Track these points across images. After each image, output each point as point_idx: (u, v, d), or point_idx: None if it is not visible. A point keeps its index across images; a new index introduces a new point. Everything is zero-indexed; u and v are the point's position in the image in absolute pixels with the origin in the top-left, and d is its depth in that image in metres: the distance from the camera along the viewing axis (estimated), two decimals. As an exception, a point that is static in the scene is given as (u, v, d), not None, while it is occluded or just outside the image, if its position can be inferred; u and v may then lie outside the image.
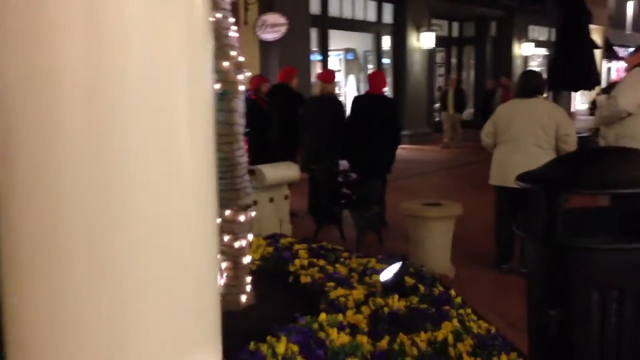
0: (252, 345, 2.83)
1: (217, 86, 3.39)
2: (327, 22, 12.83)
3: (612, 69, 26.51)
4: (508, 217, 4.74)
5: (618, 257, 1.93)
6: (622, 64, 27.81)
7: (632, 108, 4.57)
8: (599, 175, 1.92)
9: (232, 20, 3.57)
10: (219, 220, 3.52)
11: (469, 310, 3.48)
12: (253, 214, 3.73)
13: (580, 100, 22.59)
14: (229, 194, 3.50)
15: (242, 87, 3.65)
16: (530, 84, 4.66)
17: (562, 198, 1.98)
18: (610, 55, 22.84)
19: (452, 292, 3.68)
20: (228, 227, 3.51)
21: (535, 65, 21.20)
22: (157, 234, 1.38)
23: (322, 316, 3.11)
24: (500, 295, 4.31)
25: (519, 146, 4.53)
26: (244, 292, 3.58)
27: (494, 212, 4.85)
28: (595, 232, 2.25)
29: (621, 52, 26.37)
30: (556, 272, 2.01)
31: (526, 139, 4.51)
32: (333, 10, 12.95)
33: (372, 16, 14.20)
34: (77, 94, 1.22)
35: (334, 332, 2.94)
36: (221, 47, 3.42)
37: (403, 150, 6.59)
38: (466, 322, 3.21)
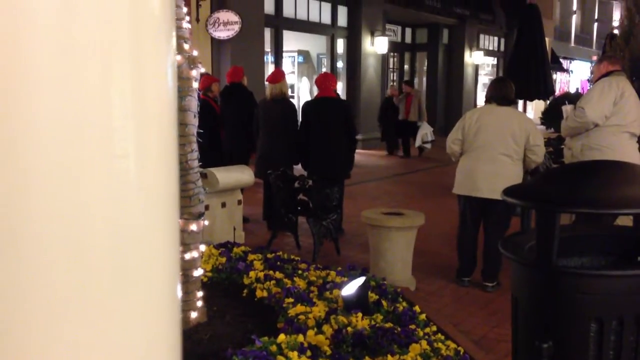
0: (204, 372, 2.55)
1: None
2: (281, 23, 12.59)
3: (557, 81, 27.23)
4: (472, 228, 4.60)
5: (619, 284, 1.75)
6: (567, 76, 28.72)
7: (599, 119, 4.52)
8: (601, 193, 1.74)
9: (184, 10, 3.27)
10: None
11: (434, 329, 3.30)
12: (205, 222, 3.43)
13: (528, 110, 23.12)
14: (181, 201, 3.19)
15: (195, 84, 3.36)
16: (501, 92, 4.53)
17: (558, 218, 1.79)
18: (556, 67, 23.44)
19: (417, 309, 3.49)
20: (179, 237, 3.21)
21: (484, 74, 21.56)
22: (104, 246, 1.14)
23: (282, 337, 2.85)
24: (464, 311, 4.15)
25: (488, 155, 4.39)
26: (194, 308, 3.28)
27: (458, 222, 4.69)
28: (581, 255, 2.09)
29: (565, 64, 27.18)
30: (549, 300, 1.81)
31: (496, 148, 4.37)
32: (287, 11, 12.71)
33: (326, 18, 14.05)
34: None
35: (294, 356, 2.69)
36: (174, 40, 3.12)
37: (356, 155, 6.40)
38: (434, 342, 3.02)
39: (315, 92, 13.61)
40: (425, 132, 13.34)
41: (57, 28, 1.01)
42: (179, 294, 1.41)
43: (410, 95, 13.73)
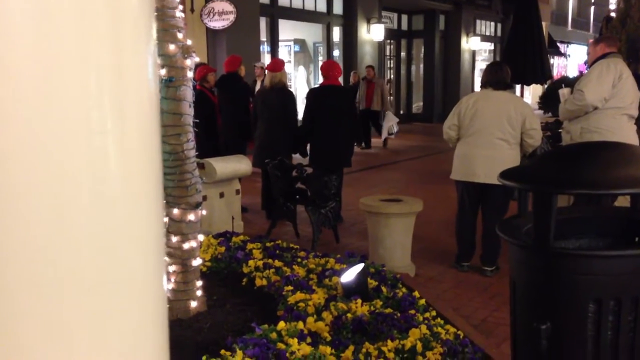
0: (204, 360, 2.55)
1: (163, 72, 3.07)
2: (276, 12, 12.52)
3: (554, 65, 27.16)
4: (471, 214, 4.60)
5: (618, 265, 1.74)
6: (564, 60, 28.64)
7: (598, 102, 4.51)
8: (599, 174, 1.73)
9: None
10: (166, 219, 3.22)
11: (434, 314, 3.30)
12: (203, 212, 3.43)
13: (526, 95, 23.09)
14: (177, 191, 3.19)
15: (190, 74, 3.33)
16: (497, 76, 4.51)
17: (555, 200, 1.78)
18: (553, 51, 23.36)
19: (416, 294, 3.49)
20: (176, 227, 3.21)
21: (481, 60, 21.51)
22: (88, 236, 1.12)
23: (281, 325, 2.85)
24: (463, 296, 4.16)
25: (485, 140, 4.38)
26: (193, 297, 3.28)
27: (457, 207, 4.69)
28: (579, 237, 2.09)
29: (562, 48, 27.11)
30: (547, 282, 1.81)
31: (492, 132, 4.36)
32: (283, 0, 12.64)
33: (322, 7, 13.98)
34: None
35: (294, 343, 2.69)
36: (166, 29, 3.10)
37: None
38: (433, 327, 3.02)
39: (312, 80, 13.44)
40: (391, 123, 12.37)
41: (35, 7, 0.99)
42: (162, 269, 1.40)
43: (372, 82, 12.50)
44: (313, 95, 6.17)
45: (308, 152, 6.15)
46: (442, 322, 3.18)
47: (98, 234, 1.16)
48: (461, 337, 3.00)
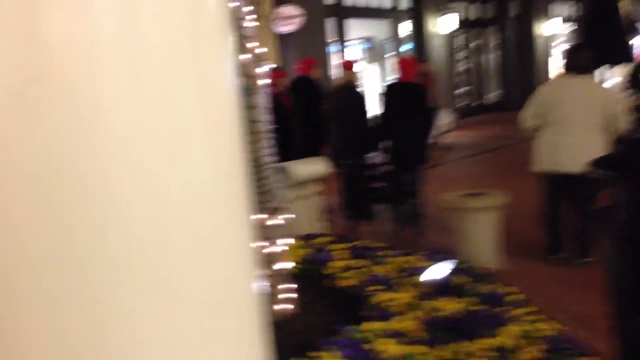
0: (294, 362, 2.57)
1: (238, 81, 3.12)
2: (342, 12, 12.52)
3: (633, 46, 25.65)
4: (557, 205, 4.41)
5: None
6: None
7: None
8: None
9: (247, 9, 3.29)
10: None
11: (528, 310, 3.17)
12: (285, 215, 3.46)
13: (609, 77, 21.94)
14: (258, 197, 3.23)
15: (263, 81, 3.38)
16: (577, 61, 4.30)
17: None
18: (633, 31, 22.08)
19: (508, 289, 3.37)
20: (261, 232, 3.25)
21: (558, 44, 20.65)
22: (183, 243, 1.14)
23: (369, 324, 2.83)
24: (556, 290, 3.99)
25: (570, 128, 4.18)
26: (280, 300, 3.31)
27: (542, 199, 4.51)
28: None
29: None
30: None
31: (577, 119, 4.16)
32: (348, -1, 12.64)
33: (388, 2, 13.85)
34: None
35: (383, 343, 2.66)
36: (238, 39, 3.15)
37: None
38: (530, 323, 2.90)
39: (382, 77, 13.31)
40: (446, 122, 11.17)
41: (122, 32, 1.01)
42: (256, 284, 1.40)
43: (429, 77, 10.39)
44: (387, 92, 6.12)
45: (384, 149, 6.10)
46: (538, 317, 3.05)
47: (192, 240, 1.17)
48: (561, 332, 2.88)
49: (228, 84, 1.27)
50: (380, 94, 6.17)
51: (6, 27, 0.89)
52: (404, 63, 6.08)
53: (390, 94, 6.01)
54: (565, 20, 20.60)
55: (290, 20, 10.42)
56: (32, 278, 1.00)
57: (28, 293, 1.01)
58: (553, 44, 20.61)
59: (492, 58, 18.83)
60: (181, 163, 1.13)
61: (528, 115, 4.41)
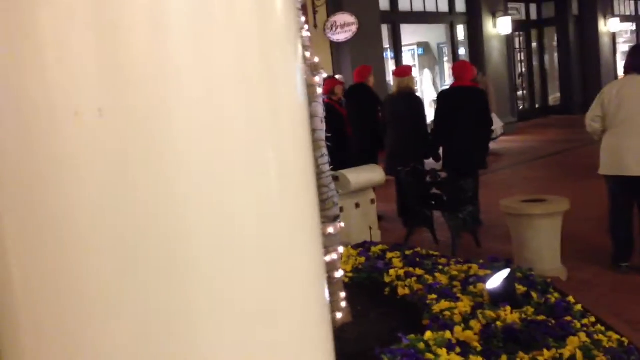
0: (353, 372, 2.57)
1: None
2: (397, 18, 12.47)
3: None
4: (625, 210, 4.24)
5: None
6: None
7: None
8: None
9: (302, 19, 3.33)
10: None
11: (593, 319, 3.07)
12: (341, 224, 3.47)
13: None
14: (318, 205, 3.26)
15: (319, 90, 3.41)
16: (638, 60, 4.14)
17: None
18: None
19: (571, 299, 3.28)
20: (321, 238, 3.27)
21: (623, 42, 19.90)
22: (255, 251, 1.16)
23: (428, 334, 2.80)
24: (624, 299, 3.84)
25: (634, 130, 4.03)
26: (338, 309, 3.32)
27: (608, 204, 4.35)
28: None
29: None
30: None
31: (641, 121, 4.00)
32: (403, 5, 12.56)
33: (444, 6, 13.70)
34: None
35: (443, 353, 2.63)
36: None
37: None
38: (594, 334, 2.81)
39: (438, 82, 13.16)
40: (495, 127, 10.03)
41: (195, 50, 1.05)
42: (326, 292, 1.42)
43: (477, 82, 9.30)
44: (442, 97, 6.06)
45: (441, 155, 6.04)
46: (602, 328, 2.95)
47: (263, 249, 1.19)
48: (625, 344, 2.77)
49: (298, 98, 1.28)
50: (435, 100, 6.12)
51: (93, 49, 0.94)
52: (459, 67, 6.01)
53: (442, 99, 5.96)
54: (629, 18, 19.83)
55: (345, 28, 10.45)
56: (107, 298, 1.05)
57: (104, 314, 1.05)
58: (620, 42, 19.87)
59: (552, 59, 18.31)
60: (253, 175, 1.15)
61: (592, 117, 4.27)
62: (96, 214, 1.02)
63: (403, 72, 6.32)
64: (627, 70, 4.24)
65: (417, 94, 6.64)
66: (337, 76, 8.02)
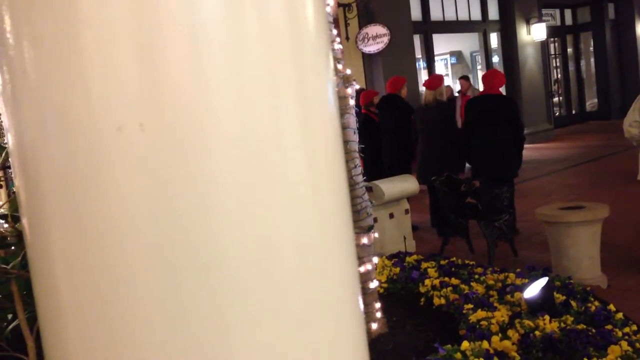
0: (390, 382, 2.57)
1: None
2: (430, 27, 12.45)
3: None
4: (666, 216, 4.15)
5: None
6: None
7: None
8: None
9: (334, 32, 3.38)
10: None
11: (635, 328, 3.01)
12: (375, 234, 3.49)
13: None
14: (352, 216, 3.28)
15: (352, 102, 3.45)
16: None
17: None
18: None
19: (611, 307, 3.22)
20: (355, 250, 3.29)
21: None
22: (290, 268, 1.18)
23: (465, 344, 2.78)
24: (668, 307, 3.74)
25: (675, 134, 3.95)
26: (374, 319, 3.33)
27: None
28: None
29: None
30: None
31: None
32: (435, 14, 12.54)
33: (476, 14, 13.62)
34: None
35: (481, 363, 2.61)
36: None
37: (524, 150, 6.05)
38: (636, 343, 2.75)
39: (473, 90, 13.06)
40: None
41: (230, 65, 1.09)
42: (361, 305, 1.44)
43: (467, 96, 9.67)
44: (469, 106, 6.04)
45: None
46: (643, 337, 2.89)
47: (297, 260, 1.20)
48: (668, 354, 2.71)
49: (330, 107, 1.31)
50: (465, 108, 6.09)
51: (134, 67, 0.99)
52: (488, 76, 5.99)
53: (470, 108, 5.93)
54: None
55: (377, 39, 10.48)
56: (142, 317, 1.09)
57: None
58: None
59: (589, 64, 18.01)
60: (284, 187, 1.17)
61: (630, 123, 4.20)
62: (135, 222, 1.07)
63: (433, 84, 6.31)
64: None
65: (448, 103, 6.61)
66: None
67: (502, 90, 6.63)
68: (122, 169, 1.02)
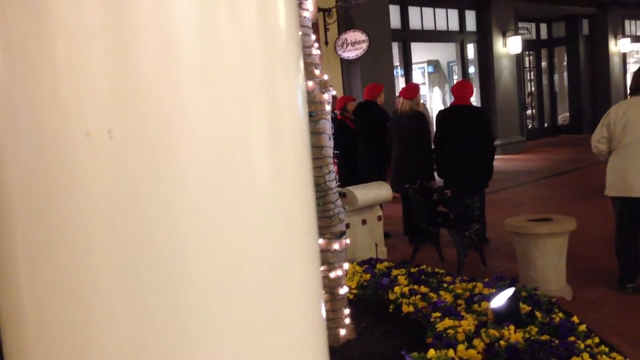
0: (356, 389, 2.58)
1: (303, 108, 3.21)
2: (408, 36, 12.56)
3: None
4: (632, 231, 4.24)
5: None
6: None
7: None
8: None
9: (313, 37, 3.39)
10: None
11: (597, 340, 3.07)
12: (347, 240, 3.50)
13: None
14: (322, 221, 3.29)
15: (328, 107, 3.46)
16: None
17: None
18: None
19: (575, 319, 3.28)
20: (322, 256, 3.30)
21: (634, 62, 19.90)
22: (245, 270, 1.19)
23: (432, 352, 2.81)
24: (630, 320, 3.83)
25: (639, 151, 4.04)
26: (342, 325, 3.33)
27: (615, 225, 4.36)
28: None
29: None
30: None
31: (646, 143, 4.02)
32: (414, 23, 12.66)
33: (454, 25, 13.79)
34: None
35: (446, 371, 2.64)
36: (304, 67, 3.25)
37: (496, 161, 6.14)
38: (597, 355, 2.81)
39: (447, 100, 13.24)
40: None
41: (202, 69, 1.09)
42: (324, 311, 1.45)
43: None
44: (441, 116, 6.11)
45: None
46: (606, 349, 2.95)
47: (260, 264, 1.21)
48: (629, 366, 2.77)
49: (299, 114, 1.32)
50: (436, 119, 6.15)
51: (104, 74, 0.99)
52: (458, 87, 6.07)
53: (441, 118, 6.00)
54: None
55: (356, 45, 10.52)
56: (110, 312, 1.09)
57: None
58: (632, 61, 19.86)
59: (562, 78, 18.35)
60: (252, 189, 1.18)
61: (598, 139, 4.29)
62: (102, 225, 1.07)
63: (410, 93, 6.36)
64: (633, 91, 4.26)
65: (422, 112, 6.66)
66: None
67: (474, 100, 6.72)
68: (90, 174, 1.02)
